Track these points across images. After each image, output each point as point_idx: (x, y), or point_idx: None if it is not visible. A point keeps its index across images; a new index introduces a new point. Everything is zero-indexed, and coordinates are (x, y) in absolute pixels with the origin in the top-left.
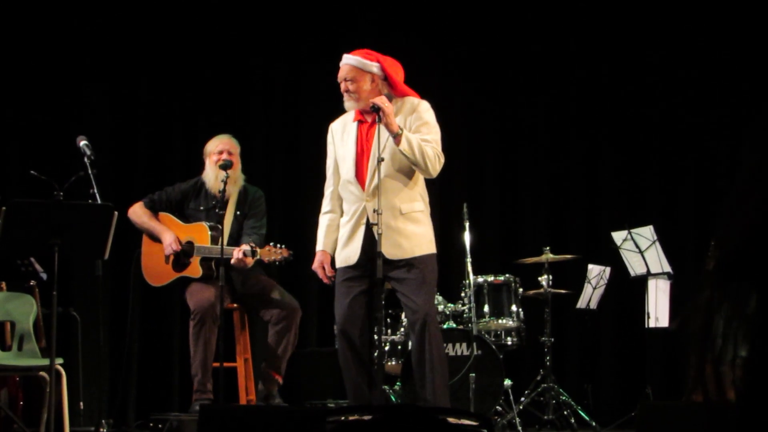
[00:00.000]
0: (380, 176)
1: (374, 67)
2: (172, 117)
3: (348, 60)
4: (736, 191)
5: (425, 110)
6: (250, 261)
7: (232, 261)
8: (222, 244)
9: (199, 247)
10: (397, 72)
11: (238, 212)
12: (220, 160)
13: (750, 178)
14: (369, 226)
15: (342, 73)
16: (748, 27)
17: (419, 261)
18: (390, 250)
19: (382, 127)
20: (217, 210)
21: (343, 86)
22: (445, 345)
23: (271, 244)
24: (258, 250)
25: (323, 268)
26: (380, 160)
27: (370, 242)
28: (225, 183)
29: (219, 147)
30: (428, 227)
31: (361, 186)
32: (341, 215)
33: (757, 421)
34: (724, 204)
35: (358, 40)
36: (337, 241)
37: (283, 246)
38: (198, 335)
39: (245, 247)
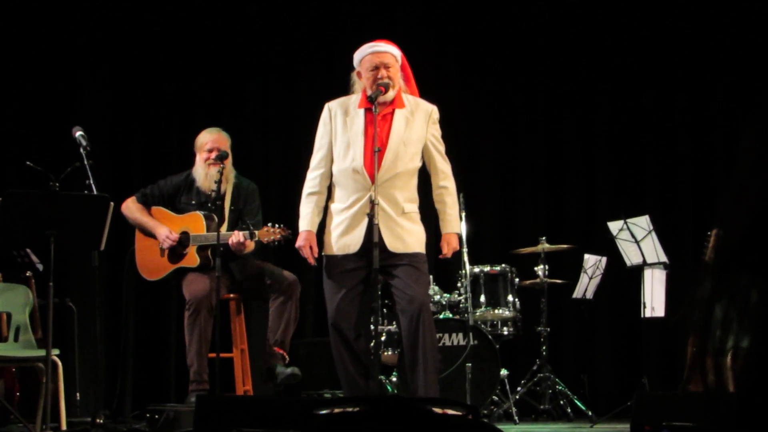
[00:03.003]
0: (388, 169)
1: (400, 58)
2: (168, 107)
3: (389, 48)
4: (735, 184)
5: (438, 120)
6: (249, 244)
7: (230, 241)
8: (218, 232)
9: (195, 236)
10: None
11: (233, 207)
12: (209, 158)
13: (749, 171)
14: (372, 218)
15: (382, 59)
16: (745, 16)
17: (418, 256)
18: (394, 242)
19: (396, 119)
20: (209, 205)
21: (381, 73)
22: (441, 335)
23: (269, 224)
24: (256, 232)
25: (310, 248)
26: (377, 150)
27: (372, 233)
28: (219, 183)
29: (208, 145)
30: (423, 228)
31: (369, 177)
32: (329, 199)
33: (757, 411)
34: (722, 196)
35: (356, 30)
36: (328, 226)
37: (281, 225)
38: (193, 325)
39: (244, 232)
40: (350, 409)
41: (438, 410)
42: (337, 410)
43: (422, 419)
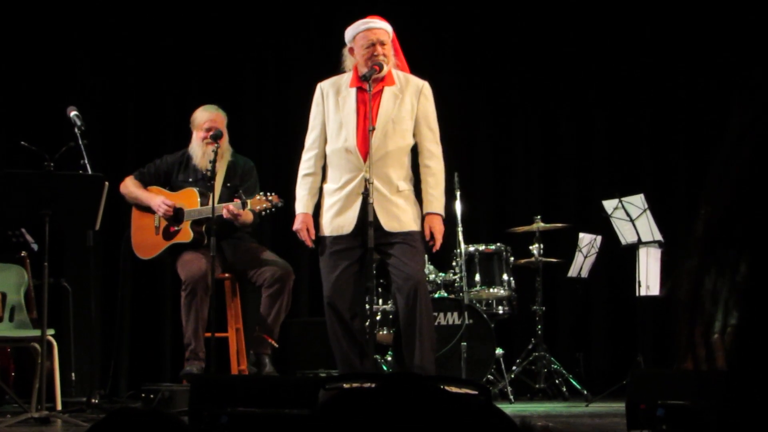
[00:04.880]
0: (379, 148)
1: (392, 33)
2: (163, 87)
3: (383, 25)
4: (722, 158)
5: (430, 96)
6: (246, 214)
7: (224, 211)
8: (213, 203)
9: (189, 211)
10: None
11: (228, 184)
12: (206, 137)
13: (736, 145)
14: (366, 197)
15: (378, 36)
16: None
17: (414, 234)
18: (389, 221)
19: (384, 96)
20: (207, 183)
21: (377, 50)
22: (436, 314)
23: (261, 193)
24: (248, 201)
25: (307, 231)
26: (371, 129)
27: (367, 213)
28: (214, 163)
29: (207, 124)
30: (418, 206)
31: (362, 157)
32: (323, 179)
33: (746, 387)
34: (710, 171)
35: (349, 6)
36: (322, 207)
37: (272, 193)
38: (190, 306)
39: (235, 201)
40: (365, 385)
41: (454, 389)
42: (351, 385)
43: (437, 397)
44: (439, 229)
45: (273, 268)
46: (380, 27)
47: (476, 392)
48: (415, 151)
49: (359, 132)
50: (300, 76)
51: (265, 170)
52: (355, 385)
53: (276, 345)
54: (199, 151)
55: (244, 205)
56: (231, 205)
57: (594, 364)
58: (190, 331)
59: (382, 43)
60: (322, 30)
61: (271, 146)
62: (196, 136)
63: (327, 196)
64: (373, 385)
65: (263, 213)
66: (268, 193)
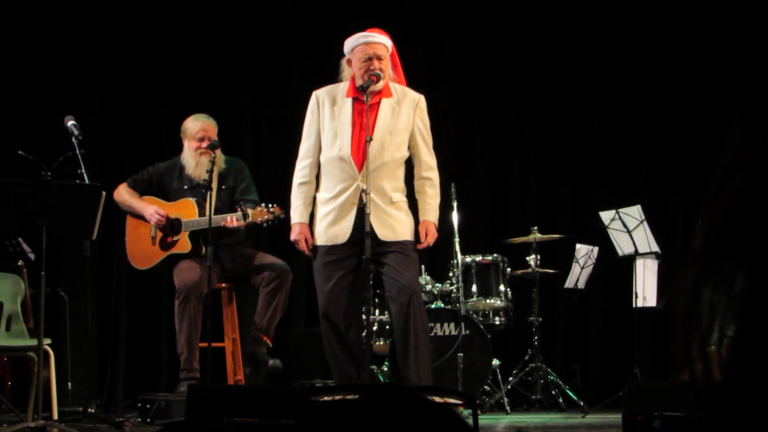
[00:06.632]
0: (375, 159)
1: (390, 47)
2: (160, 96)
3: (382, 39)
4: (721, 168)
5: (425, 109)
6: (243, 224)
7: (227, 224)
8: (210, 214)
9: (187, 222)
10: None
11: (223, 186)
12: (200, 147)
13: (735, 156)
14: (361, 207)
15: (376, 51)
16: (736, 5)
17: (408, 244)
18: (383, 231)
19: (382, 108)
20: (203, 190)
21: (374, 64)
22: (432, 325)
23: (262, 204)
24: (249, 212)
25: (305, 240)
26: (368, 140)
27: (362, 223)
28: (211, 172)
29: (199, 134)
30: (411, 217)
31: (357, 166)
32: (317, 188)
33: (742, 401)
34: (709, 182)
35: (347, 14)
36: (315, 216)
37: (274, 205)
38: (183, 313)
39: (237, 213)
40: (349, 397)
41: (438, 399)
42: (333, 398)
43: (421, 408)
44: (433, 233)
45: (270, 268)
46: (379, 41)
47: (460, 401)
48: (408, 163)
49: (354, 141)
50: (297, 84)
51: (261, 178)
52: (338, 397)
53: (270, 344)
54: (192, 161)
55: (245, 216)
56: (234, 221)
57: (591, 376)
58: (183, 339)
59: (380, 58)
60: (320, 38)
61: (267, 154)
62: (189, 146)
63: (320, 205)
64: (356, 397)
65: (264, 225)
66: (270, 205)
